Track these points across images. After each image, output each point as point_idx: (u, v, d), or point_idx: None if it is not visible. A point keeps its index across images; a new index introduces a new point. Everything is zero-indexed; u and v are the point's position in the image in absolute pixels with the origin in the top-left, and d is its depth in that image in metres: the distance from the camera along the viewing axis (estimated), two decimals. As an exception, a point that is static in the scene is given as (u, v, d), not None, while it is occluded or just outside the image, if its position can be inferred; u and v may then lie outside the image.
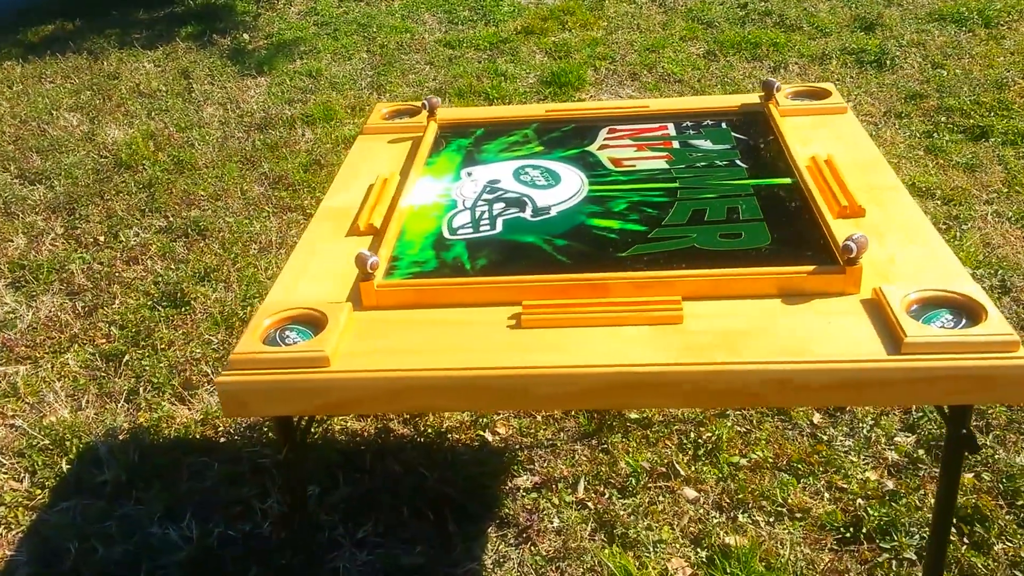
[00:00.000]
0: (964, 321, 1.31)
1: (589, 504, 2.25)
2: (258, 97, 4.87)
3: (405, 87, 4.78)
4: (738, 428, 2.43)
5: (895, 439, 2.37)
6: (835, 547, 2.10)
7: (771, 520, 2.17)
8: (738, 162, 1.82)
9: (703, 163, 1.82)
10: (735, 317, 1.39)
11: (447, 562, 2.13)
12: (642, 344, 1.35)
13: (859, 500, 2.20)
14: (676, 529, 2.17)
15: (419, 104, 2.19)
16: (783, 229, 1.57)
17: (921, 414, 2.42)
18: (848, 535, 2.12)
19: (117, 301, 3.18)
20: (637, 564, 2.08)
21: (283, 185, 3.88)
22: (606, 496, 2.27)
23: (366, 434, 2.54)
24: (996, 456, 2.28)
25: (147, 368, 2.82)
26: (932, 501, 2.17)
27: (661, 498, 2.26)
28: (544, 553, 2.13)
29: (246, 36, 5.75)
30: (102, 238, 3.62)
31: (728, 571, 2.04)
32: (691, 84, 4.51)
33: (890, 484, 2.24)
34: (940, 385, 1.26)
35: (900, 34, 4.83)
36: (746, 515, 2.19)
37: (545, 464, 2.38)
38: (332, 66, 5.13)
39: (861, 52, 4.65)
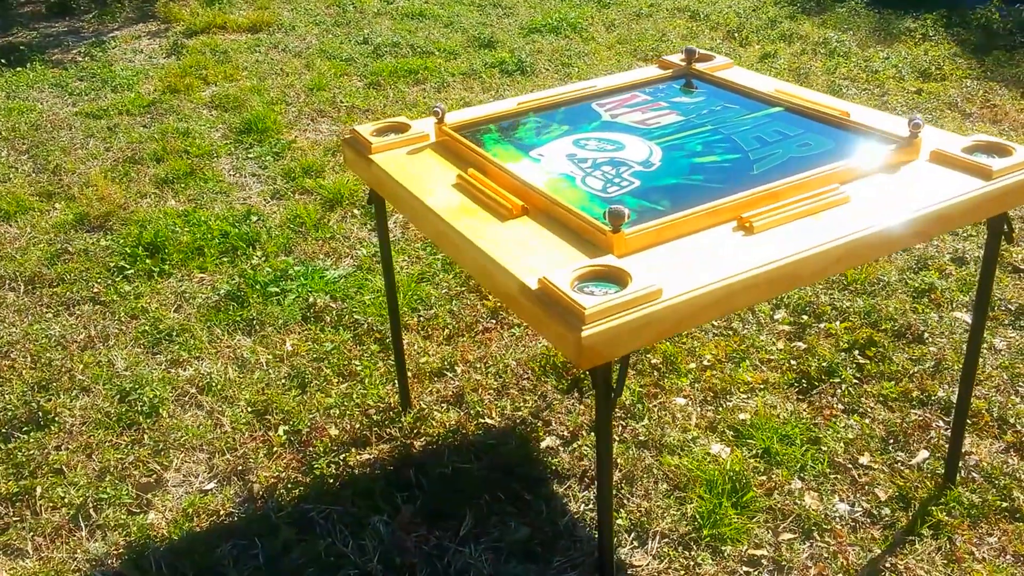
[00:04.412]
0: (993, 156, 1.96)
1: (616, 436, 2.59)
2: None
3: (89, 161, 4.43)
4: (675, 346, 2.93)
5: (775, 316, 3.05)
6: (801, 397, 2.70)
7: (750, 395, 2.71)
8: (728, 105, 2.31)
9: (704, 110, 2.29)
10: (872, 188, 1.89)
11: (547, 521, 2.33)
12: (845, 220, 1.77)
13: (791, 361, 2.83)
14: (694, 428, 2.60)
15: (400, 120, 2.33)
16: (828, 135, 2.10)
17: (783, 296, 3.13)
18: (805, 385, 2.74)
19: (-50, 442, 2.69)
20: (693, 459, 2.48)
21: (43, 282, 3.47)
22: (624, 425, 2.63)
23: (378, 456, 2.56)
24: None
25: (78, 491, 2.47)
26: (831, 345, 2.88)
27: (664, 411, 2.67)
28: (615, 481, 2.43)
29: None
30: None
31: (755, 436, 2.53)
32: (379, 112, 4.84)
33: (801, 344, 2.91)
34: (1012, 197, 1.90)
35: (519, 46, 5.65)
36: (734, 399, 2.70)
37: (557, 424, 2.65)
38: (-28, 159, 4.54)
39: (502, 64, 5.37)
